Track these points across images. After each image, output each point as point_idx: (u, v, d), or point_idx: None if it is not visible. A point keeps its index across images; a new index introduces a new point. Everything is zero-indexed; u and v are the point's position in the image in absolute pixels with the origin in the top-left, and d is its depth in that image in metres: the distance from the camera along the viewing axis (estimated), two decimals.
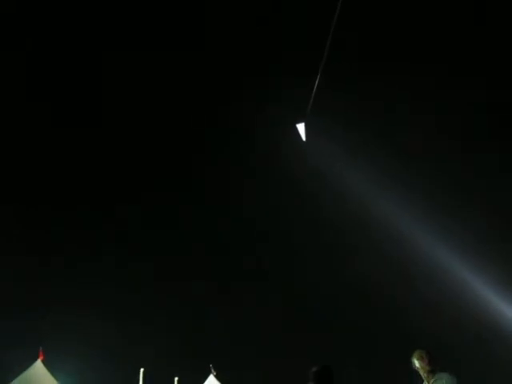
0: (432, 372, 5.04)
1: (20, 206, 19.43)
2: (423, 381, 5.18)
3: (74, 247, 20.17)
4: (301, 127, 10.60)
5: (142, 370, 12.07)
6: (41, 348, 11.49)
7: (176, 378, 13.70)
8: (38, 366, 11.20)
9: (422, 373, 5.12)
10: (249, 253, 27.38)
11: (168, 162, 23.13)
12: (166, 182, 23.44)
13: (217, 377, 11.86)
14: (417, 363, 5.14)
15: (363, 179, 23.23)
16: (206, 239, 26.63)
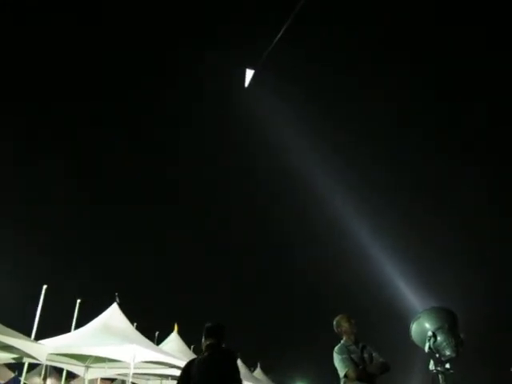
0: (355, 337, 4.85)
1: None
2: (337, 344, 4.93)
3: None
4: (249, 73, 10.44)
5: (44, 286, 11.87)
6: None
7: (78, 300, 13.64)
8: None
9: (345, 336, 4.90)
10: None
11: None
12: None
13: (120, 306, 11.88)
14: (344, 326, 4.90)
15: (296, 135, 23.58)
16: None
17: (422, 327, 4.82)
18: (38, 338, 10.63)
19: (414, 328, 4.94)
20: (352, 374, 4.53)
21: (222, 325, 4.72)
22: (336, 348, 4.84)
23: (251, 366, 22.58)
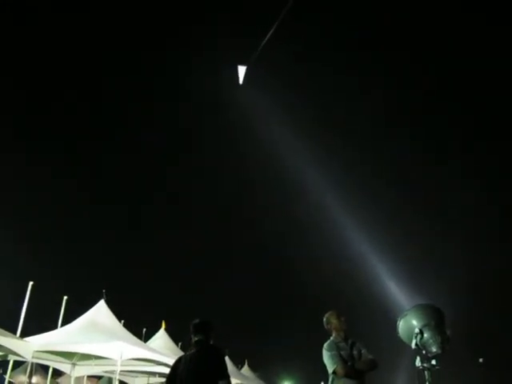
0: (345, 333, 4.85)
1: None
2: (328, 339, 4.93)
3: None
4: (241, 70, 10.40)
5: (30, 283, 11.74)
6: None
7: (65, 298, 13.52)
8: None
9: (335, 332, 4.91)
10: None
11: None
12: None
13: (107, 303, 11.80)
14: (333, 323, 4.90)
15: (294, 135, 23.71)
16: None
17: (409, 324, 4.86)
18: (24, 335, 10.50)
19: (401, 325, 4.98)
20: (341, 371, 4.55)
21: (210, 321, 4.69)
22: (325, 344, 4.84)
23: (239, 364, 22.59)
